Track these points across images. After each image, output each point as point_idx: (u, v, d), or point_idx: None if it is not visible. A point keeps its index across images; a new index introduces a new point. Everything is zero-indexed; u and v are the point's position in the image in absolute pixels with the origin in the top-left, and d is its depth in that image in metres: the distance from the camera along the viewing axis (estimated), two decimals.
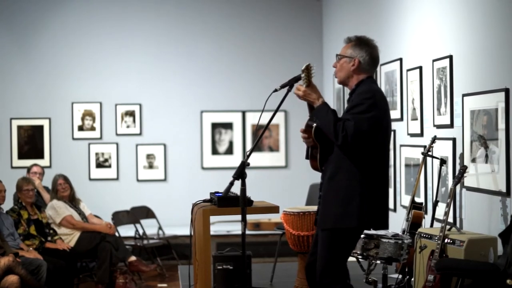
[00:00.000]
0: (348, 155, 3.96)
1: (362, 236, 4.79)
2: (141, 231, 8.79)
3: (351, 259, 4.33)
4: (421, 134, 6.35)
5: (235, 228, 8.94)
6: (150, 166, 9.79)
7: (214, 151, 9.92)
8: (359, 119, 3.90)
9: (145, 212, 9.28)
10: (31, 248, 6.98)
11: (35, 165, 8.41)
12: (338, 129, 3.91)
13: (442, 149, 5.77)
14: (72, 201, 7.84)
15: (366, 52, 4.13)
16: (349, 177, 3.98)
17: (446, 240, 4.74)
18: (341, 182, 3.99)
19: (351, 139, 3.89)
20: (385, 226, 4.13)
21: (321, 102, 4.05)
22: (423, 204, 5.89)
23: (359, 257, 4.90)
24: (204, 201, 5.13)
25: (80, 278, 7.83)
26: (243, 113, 9.92)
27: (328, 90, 9.47)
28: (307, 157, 4.26)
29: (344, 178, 3.99)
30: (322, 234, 4.04)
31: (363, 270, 4.95)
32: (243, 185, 4.05)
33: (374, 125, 3.94)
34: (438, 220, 5.46)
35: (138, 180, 9.79)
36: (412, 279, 5.16)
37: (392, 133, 6.63)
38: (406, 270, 5.42)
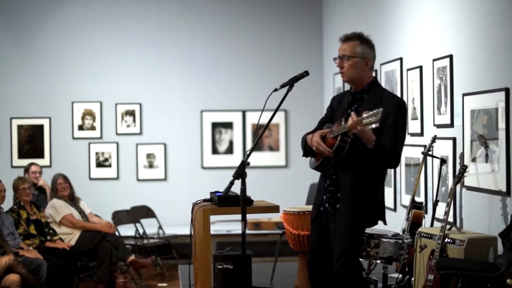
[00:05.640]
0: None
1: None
2: (141, 231, 8.80)
3: None
4: (421, 134, 6.35)
5: (235, 228, 8.94)
6: (150, 165, 9.79)
7: (214, 151, 9.92)
8: (401, 136, 4.11)
9: (145, 212, 9.28)
10: (31, 248, 6.98)
11: (34, 164, 8.41)
12: (395, 157, 4.06)
13: (442, 149, 5.77)
14: (72, 200, 7.85)
15: (373, 50, 4.25)
16: (376, 181, 4.17)
17: (446, 240, 4.74)
18: (370, 185, 4.14)
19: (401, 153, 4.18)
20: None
21: (376, 142, 3.97)
22: (423, 204, 5.89)
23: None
24: (204, 200, 5.13)
25: (80, 277, 7.83)
26: (243, 112, 9.92)
27: (328, 90, 9.47)
28: (309, 155, 4.29)
29: (373, 182, 4.15)
30: (346, 229, 4.13)
31: (363, 269, 4.95)
32: (243, 184, 4.05)
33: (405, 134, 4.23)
34: (438, 220, 5.46)
35: (138, 180, 9.79)
36: (412, 278, 5.16)
37: None
38: (406, 269, 5.43)
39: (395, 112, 4.07)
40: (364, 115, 3.80)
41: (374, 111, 3.76)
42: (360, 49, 4.16)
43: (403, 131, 4.14)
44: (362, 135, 3.90)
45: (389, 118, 4.04)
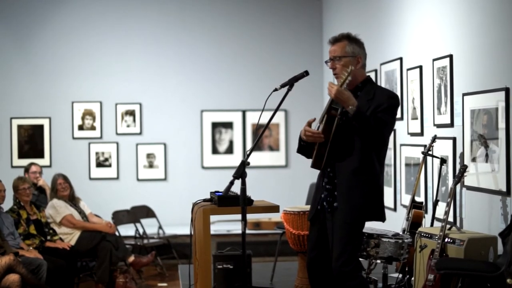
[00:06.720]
0: (372, 152, 4.11)
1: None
2: (141, 231, 8.80)
3: None
4: (421, 134, 6.35)
5: (235, 228, 8.95)
6: (150, 165, 9.79)
7: (214, 151, 9.92)
8: (390, 124, 4.14)
9: (145, 212, 9.28)
10: (31, 248, 6.98)
11: (34, 164, 8.41)
12: (381, 132, 4.06)
13: (442, 149, 5.77)
14: (72, 200, 7.85)
15: (363, 48, 4.27)
16: (371, 172, 4.14)
17: (446, 240, 4.74)
18: (365, 177, 4.12)
19: (387, 140, 4.18)
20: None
21: (357, 106, 3.99)
22: (423, 204, 5.89)
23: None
24: (204, 200, 5.14)
25: (80, 277, 7.83)
26: (243, 112, 9.92)
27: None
28: (308, 156, 4.27)
29: (367, 173, 4.12)
30: (344, 226, 4.11)
31: (363, 269, 4.94)
32: (243, 184, 4.05)
33: (393, 126, 4.24)
34: (438, 220, 5.46)
35: (138, 180, 9.79)
36: (412, 278, 5.16)
37: (392, 132, 6.63)
38: (406, 269, 5.42)
39: (386, 102, 4.12)
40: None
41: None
42: (349, 48, 4.19)
43: (392, 121, 4.16)
44: (341, 98, 3.97)
45: (380, 107, 4.08)
